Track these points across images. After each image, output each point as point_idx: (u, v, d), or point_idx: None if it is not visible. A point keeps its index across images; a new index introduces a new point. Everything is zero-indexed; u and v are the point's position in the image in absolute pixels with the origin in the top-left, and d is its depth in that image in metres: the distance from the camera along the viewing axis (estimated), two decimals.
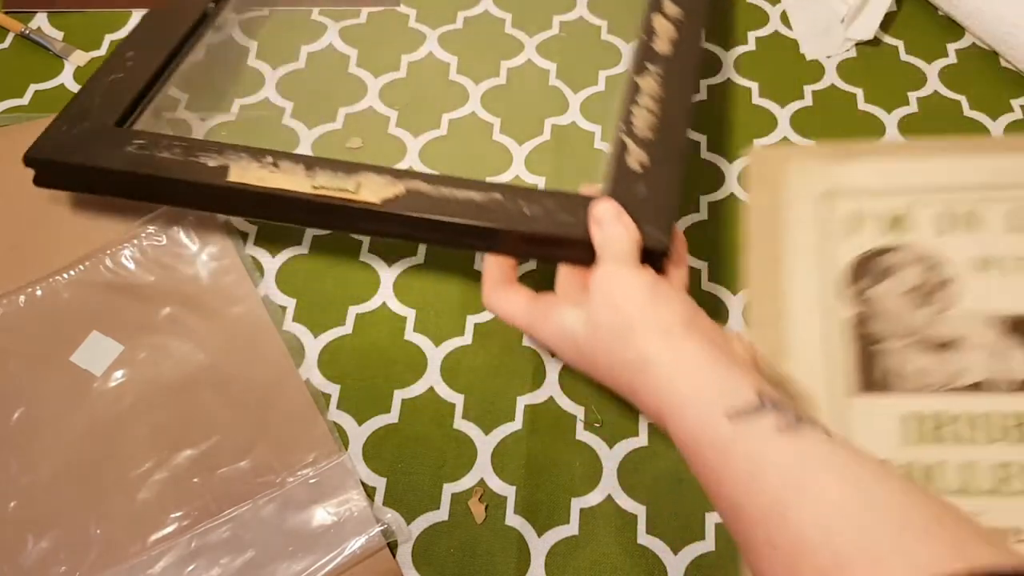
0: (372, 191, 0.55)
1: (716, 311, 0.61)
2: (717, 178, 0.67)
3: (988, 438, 0.53)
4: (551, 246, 0.54)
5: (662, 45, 0.65)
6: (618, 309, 0.47)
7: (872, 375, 0.55)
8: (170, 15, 0.70)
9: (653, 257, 0.54)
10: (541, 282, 0.54)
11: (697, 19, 0.68)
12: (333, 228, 0.61)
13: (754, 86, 0.72)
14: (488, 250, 0.56)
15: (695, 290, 0.62)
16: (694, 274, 0.63)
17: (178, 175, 0.57)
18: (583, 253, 0.53)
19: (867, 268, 0.59)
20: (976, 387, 0.55)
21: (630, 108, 0.61)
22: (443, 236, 0.56)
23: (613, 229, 0.51)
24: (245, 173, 0.56)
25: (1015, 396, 0.54)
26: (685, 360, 0.45)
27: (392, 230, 0.56)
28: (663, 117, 0.60)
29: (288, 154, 0.58)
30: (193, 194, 0.58)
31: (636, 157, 0.58)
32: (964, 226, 0.60)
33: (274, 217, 0.58)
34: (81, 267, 0.60)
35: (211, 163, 0.57)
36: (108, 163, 0.58)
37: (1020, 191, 0.61)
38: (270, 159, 0.57)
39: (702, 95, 0.71)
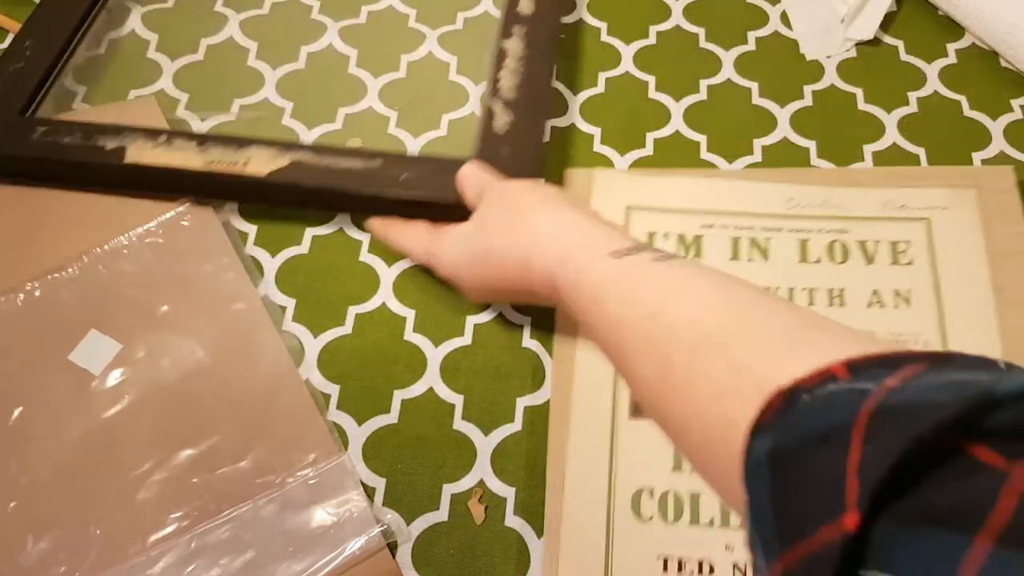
0: (260, 164, 0.59)
1: None
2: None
3: None
4: (427, 209, 0.58)
5: (525, 5, 0.69)
6: (507, 200, 0.53)
7: None
8: (65, 2, 0.71)
9: None
10: None
11: None
12: (226, 199, 0.63)
13: (754, 86, 0.72)
14: (372, 214, 0.60)
15: None
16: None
17: (80, 158, 0.60)
18: (458, 214, 0.56)
19: None
20: None
21: (497, 74, 0.64)
22: (328, 203, 0.60)
23: (481, 180, 0.56)
24: (141, 153, 0.60)
25: None
26: (569, 221, 0.49)
27: (280, 199, 0.60)
28: (527, 75, 0.64)
29: (181, 132, 0.61)
30: (96, 176, 0.61)
31: (502, 120, 0.61)
32: (752, 253, 0.61)
33: (171, 191, 0.62)
34: (80, 265, 0.60)
35: (110, 145, 0.60)
36: (15, 151, 0.61)
37: (807, 222, 0.62)
38: (164, 137, 0.61)
39: (702, 96, 0.71)
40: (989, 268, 0.59)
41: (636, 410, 0.55)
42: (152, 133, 0.61)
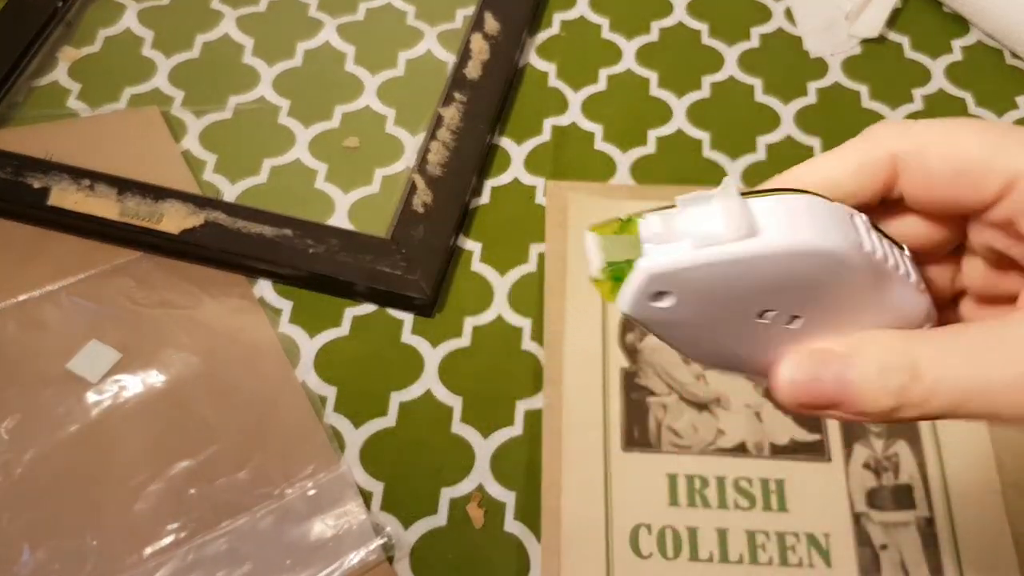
0: (173, 222, 0.59)
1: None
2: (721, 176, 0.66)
3: (740, 504, 0.52)
4: (335, 286, 0.59)
5: (473, 69, 0.68)
6: None
7: (641, 430, 0.55)
8: (18, 15, 0.70)
9: (417, 307, 0.58)
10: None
11: (515, 37, 0.71)
12: (141, 250, 0.62)
13: (757, 83, 0.71)
14: (280, 281, 0.60)
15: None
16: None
17: (4, 196, 0.61)
18: (362, 295, 0.58)
19: None
20: (738, 449, 0.54)
21: (428, 144, 0.64)
22: (236, 265, 0.60)
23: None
24: (64, 196, 0.60)
25: (772, 461, 0.54)
26: None
27: (191, 256, 0.60)
28: (455, 153, 0.64)
29: (106, 176, 0.61)
30: (21, 214, 0.61)
31: (422, 198, 0.61)
32: None
33: (91, 237, 0.61)
34: (82, 276, 0.60)
35: (36, 184, 0.61)
36: None
37: None
38: (87, 182, 0.61)
39: (704, 93, 0.71)
40: None
41: (628, 442, 0.54)
42: (78, 175, 0.61)
